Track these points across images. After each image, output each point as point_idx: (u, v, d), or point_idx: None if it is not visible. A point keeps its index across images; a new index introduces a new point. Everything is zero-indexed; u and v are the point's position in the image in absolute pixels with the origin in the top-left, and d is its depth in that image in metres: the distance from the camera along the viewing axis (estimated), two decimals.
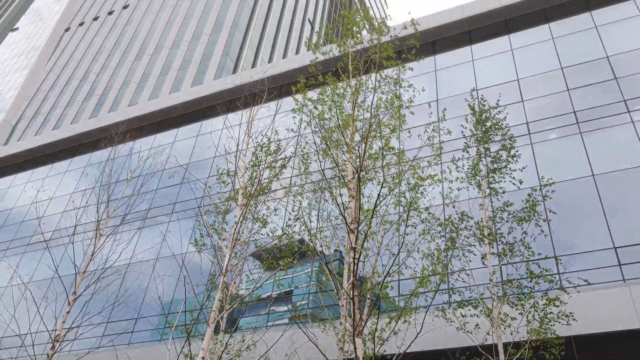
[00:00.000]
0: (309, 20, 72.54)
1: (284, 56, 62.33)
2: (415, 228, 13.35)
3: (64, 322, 15.58)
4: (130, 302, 27.22)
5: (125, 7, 74.00)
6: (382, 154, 12.39)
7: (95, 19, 76.50)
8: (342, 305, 12.46)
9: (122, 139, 36.76)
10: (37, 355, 25.38)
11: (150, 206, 31.13)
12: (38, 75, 73.81)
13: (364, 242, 12.61)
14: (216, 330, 16.72)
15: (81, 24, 77.93)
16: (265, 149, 16.58)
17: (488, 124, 18.26)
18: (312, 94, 15.50)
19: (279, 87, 31.07)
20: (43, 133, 50.57)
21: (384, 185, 12.33)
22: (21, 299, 30.75)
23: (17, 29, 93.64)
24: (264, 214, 15.92)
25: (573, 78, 25.58)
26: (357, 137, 14.40)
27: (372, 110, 12.81)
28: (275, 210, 16.25)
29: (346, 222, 12.87)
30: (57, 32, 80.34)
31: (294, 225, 15.65)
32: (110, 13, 75.19)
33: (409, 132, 19.06)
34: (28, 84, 73.15)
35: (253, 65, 54.37)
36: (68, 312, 15.41)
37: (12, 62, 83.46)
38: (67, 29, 79.82)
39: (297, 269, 22.09)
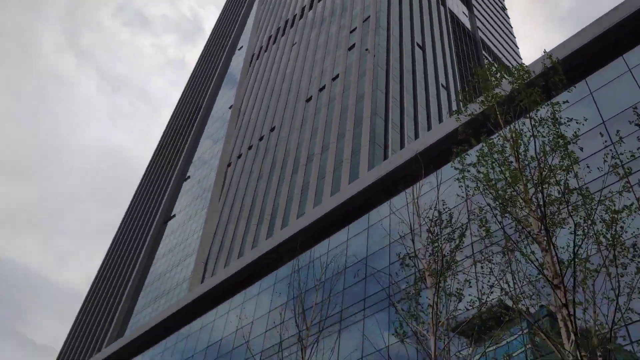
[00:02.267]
0: (442, 85, 72.72)
1: (428, 126, 62.50)
2: (625, 269, 11.97)
3: None
4: None
5: (272, 129, 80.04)
6: (565, 199, 11.58)
7: (250, 147, 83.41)
8: None
9: (300, 251, 38.43)
10: None
11: (343, 307, 31.65)
12: (214, 213, 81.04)
13: (574, 294, 11.58)
14: None
15: (239, 156, 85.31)
16: (438, 222, 16.33)
17: None
18: (470, 157, 15.20)
19: (434, 158, 30.93)
20: (230, 264, 54.63)
21: (576, 232, 11.40)
22: None
23: (189, 177, 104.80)
24: (457, 288, 15.41)
25: None
26: (529, 188, 13.69)
27: (538, 156, 12.18)
28: (469, 281, 15.68)
29: (548, 279, 11.99)
30: (220, 170, 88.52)
31: (491, 293, 14.87)
32: (260, 139, 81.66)
33: (587, 166, 17.72)
34: (208, 223, 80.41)
35: (401, 145, 55.06)
36: None
37: (191, 207, 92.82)
38: (229, 164, 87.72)
39: (504, 337, 20.77)
